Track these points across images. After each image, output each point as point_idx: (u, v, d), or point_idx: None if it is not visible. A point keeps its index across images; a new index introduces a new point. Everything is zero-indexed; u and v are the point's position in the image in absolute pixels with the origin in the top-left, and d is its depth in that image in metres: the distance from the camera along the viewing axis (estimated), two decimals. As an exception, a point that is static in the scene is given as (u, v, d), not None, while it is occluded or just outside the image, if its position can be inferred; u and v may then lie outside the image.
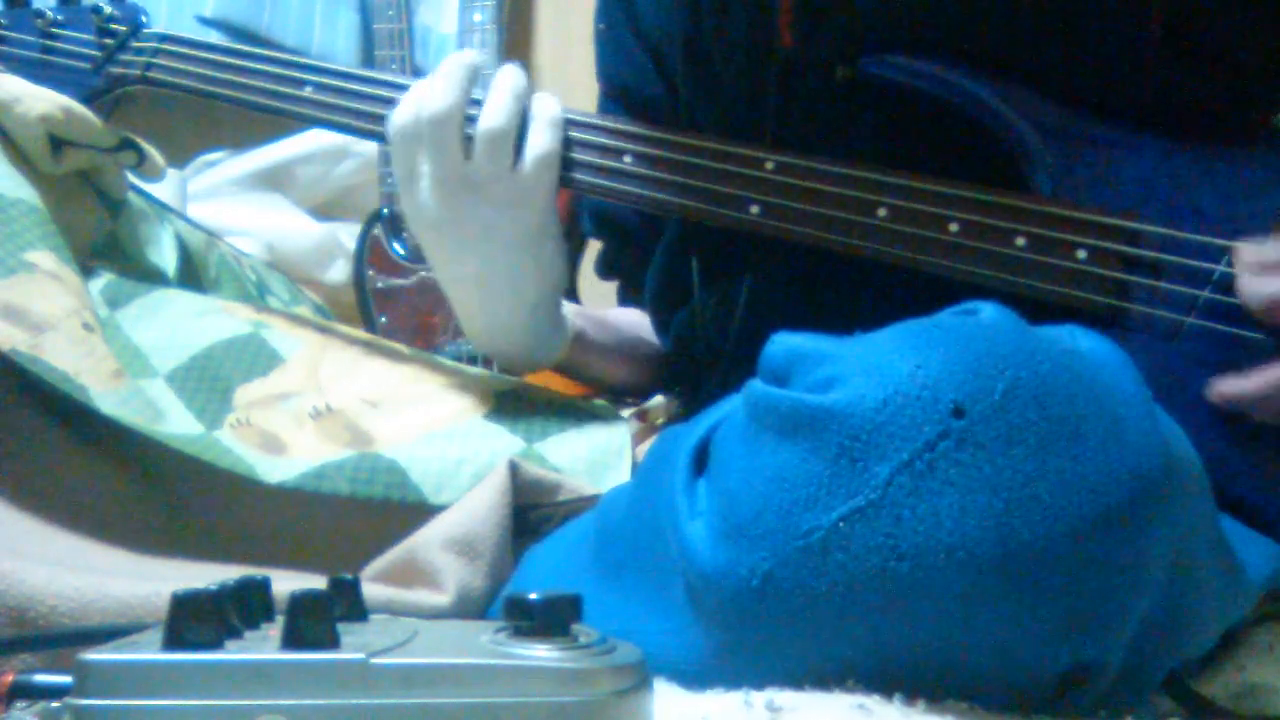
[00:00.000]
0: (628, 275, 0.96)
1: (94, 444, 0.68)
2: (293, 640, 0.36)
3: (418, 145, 0.73)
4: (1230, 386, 0.59)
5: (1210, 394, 0.60)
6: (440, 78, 0.73)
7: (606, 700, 0.36)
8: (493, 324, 0.79)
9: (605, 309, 0.99)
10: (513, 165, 0.73)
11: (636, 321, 0.95)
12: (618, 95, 0.89)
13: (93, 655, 0.36)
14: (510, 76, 0.75)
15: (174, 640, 0.36)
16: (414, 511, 0.66)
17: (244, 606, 0.40)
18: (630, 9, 0.86)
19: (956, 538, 0.42)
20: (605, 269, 0.98)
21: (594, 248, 1.06)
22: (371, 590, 0.58)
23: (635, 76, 0.87)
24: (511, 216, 0.74)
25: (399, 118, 0.73)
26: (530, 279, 0.76)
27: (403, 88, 0.79)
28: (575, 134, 0.76)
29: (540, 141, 0.73)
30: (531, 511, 0.67)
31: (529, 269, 0.76)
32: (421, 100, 0.73)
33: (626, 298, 0.98)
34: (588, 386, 0.90)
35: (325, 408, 0.72)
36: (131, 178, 0.87)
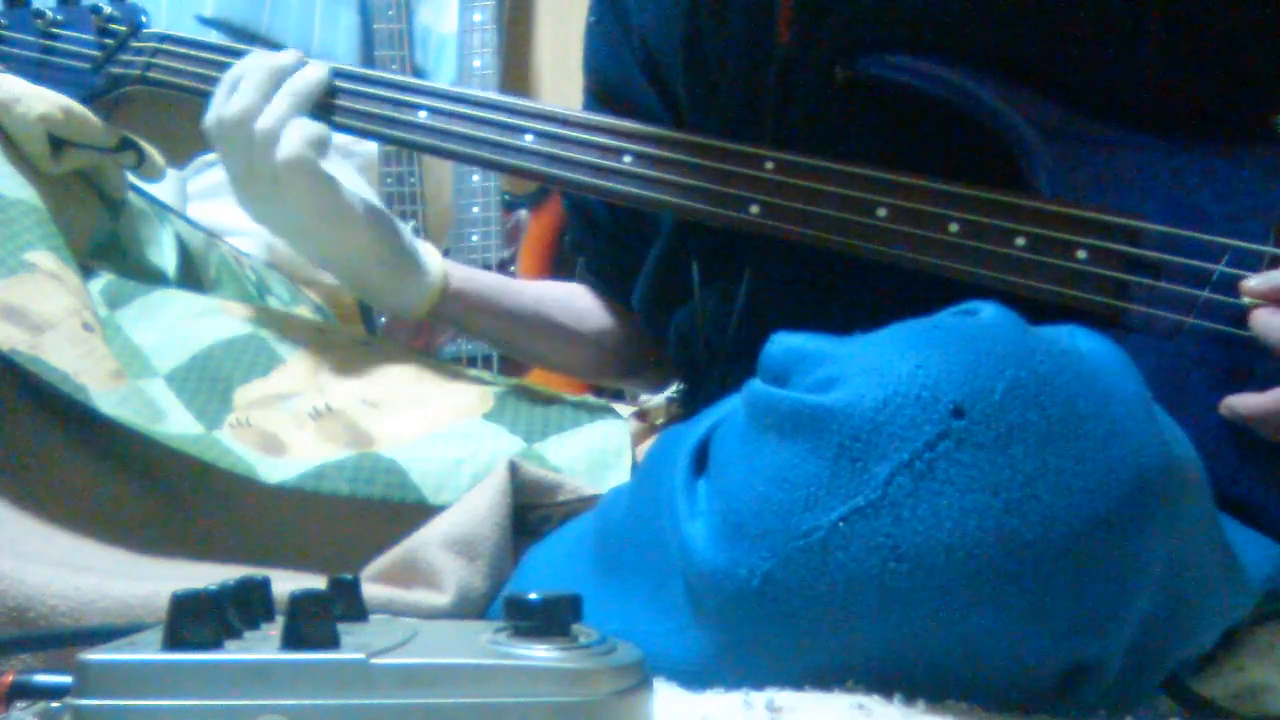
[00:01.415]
0: (589, 255, 0.98)
1: (94, 444, 0.68)
2: (293, 640, 0.36)
3: (221, 145, 0.77)
4: (1244, 404, 0.59)
5: (1222, 409, 0.60)
6: (246, 79, 0.77)
7: (606, 700, 0.36)
8: (337, 277, 0.83)
9: (528, 280, 1.00)
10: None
11: (556, 294, 0.96)
12: (601, 91, 0.89)
13: (93, 655, 0.36)
14: (298, 76, 0.78)
15: (174, 640, 0.36)
16: (414, 511, 0.66)
17: (244, 606, 0.40)
18: (620, 6, 0.86)
19: (956, 538, 0.42)
20: (572, 244, 1.00)
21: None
22: (371, 590, 0.58)
23: (620, 75, 0.86)
24: (291, 208, 0.77)
25: (206, 120, 0.78)
26: (333, 248, 0.80)
27: (402, 88, 0.79)
28: (574, 133, 0.76)
29: (285, 146, 0.75)
30: (531, 511, 0.67)
31: (334, 245, 0.79)
32: (220, 103, 0.77)
33: (584, 276, 0.99)
34: (480, 341, 0.91)
35: (325, 408, 0.72)
36: (131, 178, 0.87)
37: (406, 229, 0.84)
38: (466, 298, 0.86)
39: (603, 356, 0.96)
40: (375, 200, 0.81)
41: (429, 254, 0.84)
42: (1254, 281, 0.60)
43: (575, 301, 0.96)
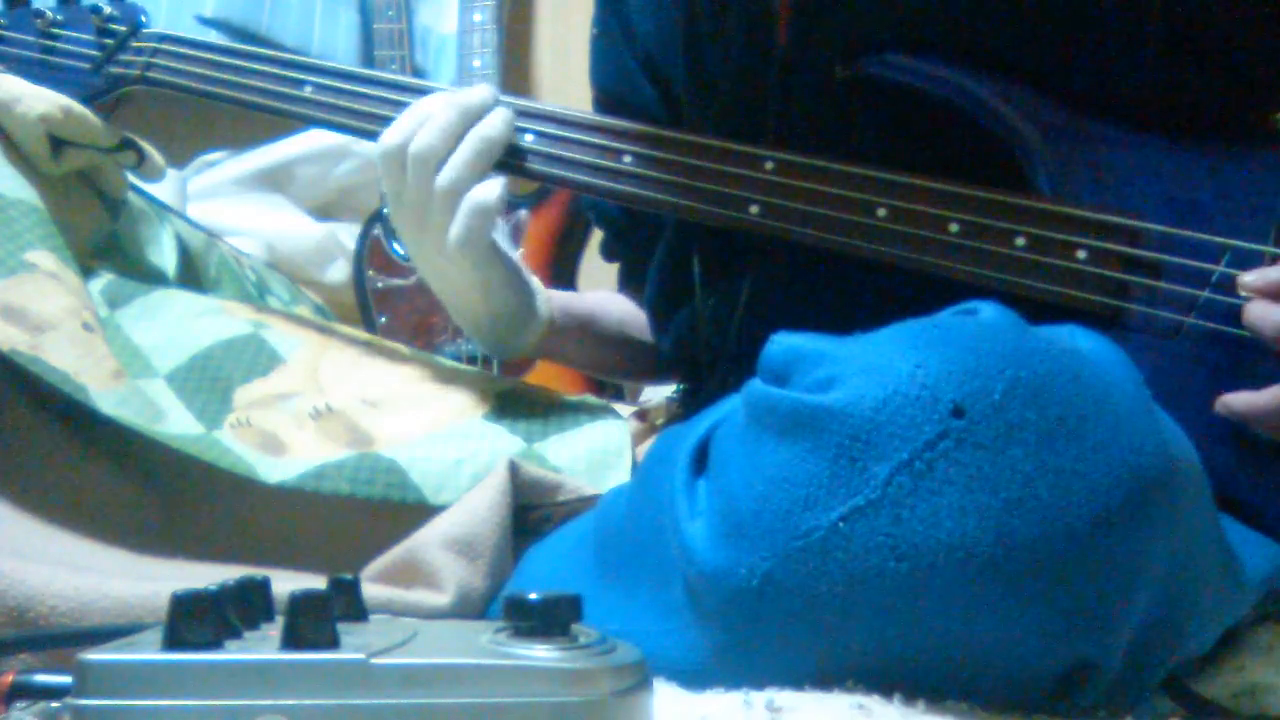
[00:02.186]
0: (626, 262, 0.98)
1: (94, 444, 0.68)
2: (293, 640, 0.36)
3: (401, 174, 0.74)
4: (1240, 402, 0.59)
5: (1219, 407, 0.59)
6: (435, 118, 0.74)
7: (606, 700, 0.36)
8: (457, 318, 0.83)
9: (596, 293, 1.00)
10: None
11: (626, 310, 0.96)
12: (608, 102, 0.89)
13: (93, 655, 0.36)
14: (481, 130, 0.75)
15: (174, 640, 0.36)
16: (414, 511, 0.66)
17: (244, 606, 0.40)
18: (622, 15, 0.86)
19: (956, 537, 0.42)
20: (606, 254, 1.00)
21: (597, 238, 1.06)
22: (371, 590, 0.58)
23: (625, 84, 0.87)
24: (451, 267, 0.76)
25: (389, 141, 0.75)
26: (479, 308, 0.79)
27: (403, 87, 0.79)
28: (574, 134, 0.76)
29: (456, 226, 0.74)
30: (531, 511, 0.67)
31: (475, 302, 0.79)
32: (413, 134, 0.74)
33: (624, 285, 0.99)
34: (579, 370, 0.92)
35: (325, 408, 0.72)
36: (131, 178, 0.87)
37: (533, 279, 0.85)
38: (564, 333, 0.87)
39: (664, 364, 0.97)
40: (519, 261, 0.81)
41: (542, 298, 0.85)
42: (1250, 277, 0.60)
43: (640, 313, 0.96)
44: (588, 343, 0.91)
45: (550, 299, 0.86)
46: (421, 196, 0.74)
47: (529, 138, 0.77)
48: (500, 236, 0.78)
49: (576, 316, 0.89)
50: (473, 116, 0.75)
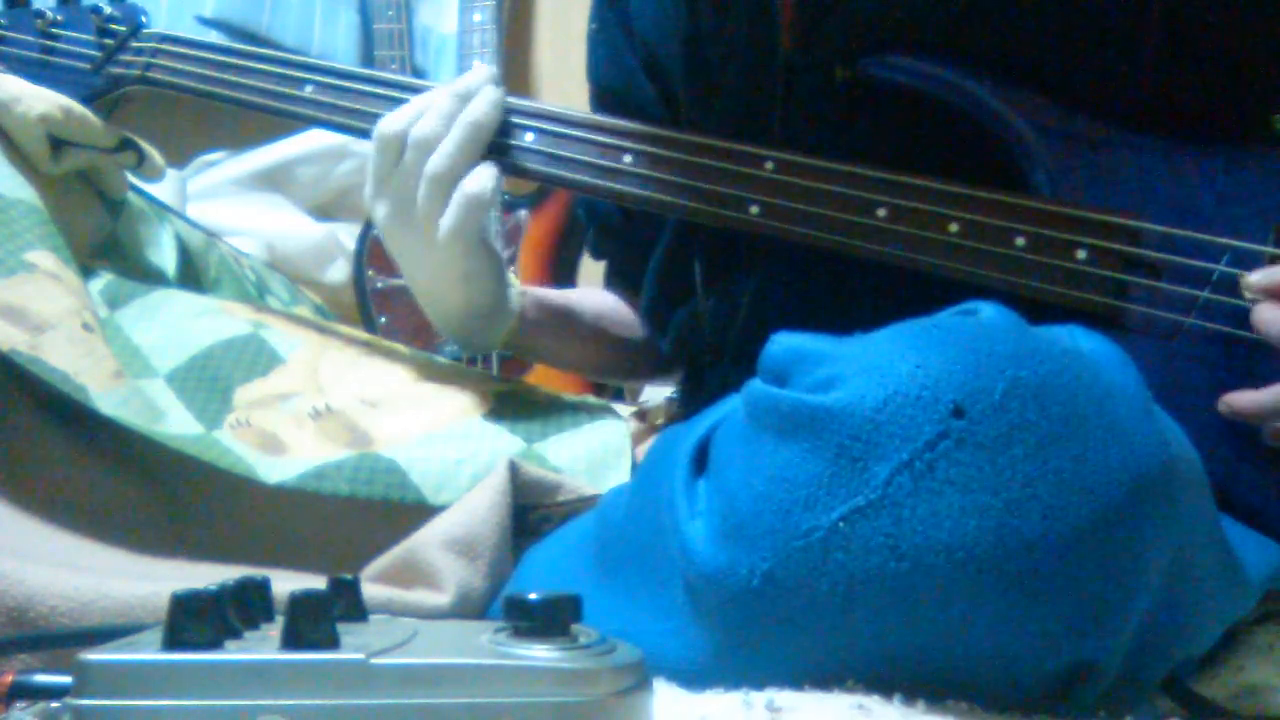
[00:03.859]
0: (614, 260, 0.97)
1: (94, 444, 0.68)
2: (293, 640, 0.36)
3: (393, 159, 0.74)
4: (1242, 401, 0.59)
5: (1221, 407, 0.59)
6: (435, 106, 0.74)
7: (606, 700, 0.36)
8: (431, 314, 0.81)
9: (575, 290, 1.00)
10: (442, 213, 0.73)
11: (605, 306, 0.96)
12: (605, 97, 0.89)
13: (93, 655, 0.36)
14: (468, 116, 0.75)
15: (174, 640, 0.36)
16: (414, 512, 0.66)
17: (244, 606, 0.40)
18: (623, 11, 0.86)
19: (956, 537, 0.42)
20: (595, 251, 1.00)
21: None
22: (371, 590, 0.58)
23: (624, 80, 0.87)
24: (433, 257, 0.75)
25: (388, 126, 0.74)
26: (455, 300, 0.78)
27: (403, 88, 0.79)
28: (574, 133, 0.76)
29: (450, 215, 0.73)
30: (531, 512, 0.67)
31: (454, 294, 0.78)
32: (414, 124, 0.74)
33: (610, 282, 0.99)
34: (554, 367, 0.91)
35: (325, 408, 0.72)
36: (131, 178, 0.87)
37: (508, 273, 0.84)
38: (537, 327, 0.86)
39: (647, 362, 0.97)
40: (500, 254, 0.80)
41: (514, 292, 0.84)
42: (1255, 277, 0.60)
43: (622, 310, 0.96)
44: (562, 338, 0.90)
45: (524, 293, 0.85)
46: (410, 183, 0.73)
47: (529, 137, 0.77)
48: (487, 226, 0.77)
49: (549, 311, 0.88)
50: (466, 100, 0.75)
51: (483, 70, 0.77)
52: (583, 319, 0.92)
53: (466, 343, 0.84)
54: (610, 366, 0.98)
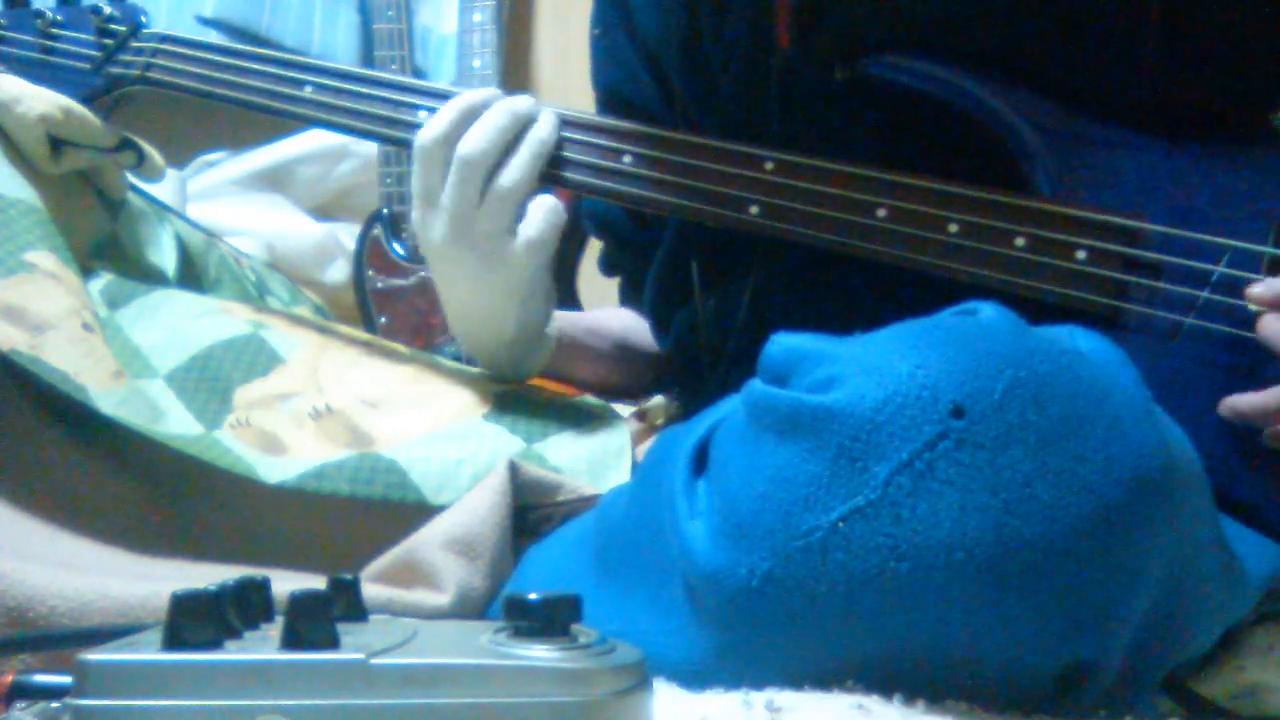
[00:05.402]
0: (627, 274, 0.97)
1: (94, 444, 0.68)
2: (292, 640, 0.36)
3: (440, 172, 0.72)
4: (1244, 403, 0.59)
5: (1223, 409, 0.59)
6: (486, 120, 0.72)
7: (606, 700, 0.36)
8: (475, 343, 0.80)
9: (598, 311, 1.00)
10: (510, 228, 0.72)
11: (629, 324, 0.96)
12: (612, 102, 0.89)
13: (93, 655, 0.36)
14: (538, 134, 0.74)
15: (174, 640, 0.36)
16: (414, 512, 0.66)
17: (244, 606, 0.40)
18: (626, 13, 0.86)
19: (956, 537, 0.42)
20: (606, 267, 0.99)
21: (595, 246, 1.06)
22: (371, 590, 0.58)
23: (629, 83, 0.87)
24: (497, 275, 0.73)
25: (429, 135, 0.72)
26: (509, 324, 0.77)
27: (404, 88, 0.79)
28: (574, 134, 0.76)
29: (534, 226, 0.72)
30: (531, 511, 0.67)
31: (509, 317, 0.76)
32: (459, 134, 0.72)
33: (626, 298, 0.99)
34: (577, 388, 0.91)
35: (325, 408, 0.72)
36: (131, 178, 0.87)
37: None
38: (569, 351, 0.86)
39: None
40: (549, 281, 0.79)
41: (550, 318, 0.83)
42: (1259, 289, 0.60)
43: (644, 325, 0.95)
44: (592, 359, 0.91)
45: (553, 318, 0.84)
46: (467, 199, 0.71)
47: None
48: None
49: (578, 333, 0.89)
50: (524, 121, 0.73)
51: (529, 100, 0.75)
52: (609, 338, 0.93)
53: (508, 371, 0.81)
54: (635, 382, 0.97)
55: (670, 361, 0.90)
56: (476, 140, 0.71)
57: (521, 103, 0.74)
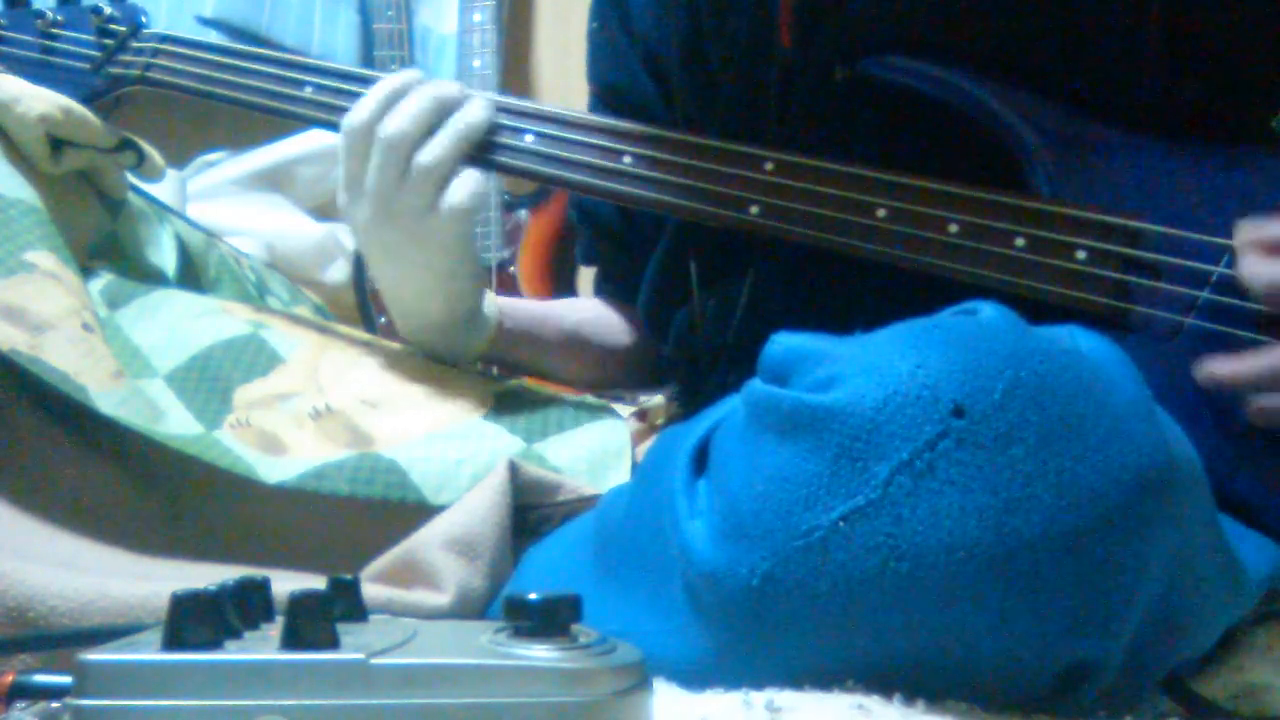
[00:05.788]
0: (604, 265, 0.97)
1: (94, 444, 0.68)
2: (292, 640, 0.36)
3: (364, 155, 0.73)
4: (1222, 367, 0.59)
5: (1199, 374, 0.59)
6: (409, 101, 0.73)
7: (606, 700, 0.36)
8: (407, 324, 0.81)
9: (557, 301, 1.00)
10: (432, 205, 0.73)
11: (587, 317, 0.96)
12: (607, 97, 0.89)
13: (92, 655, 0.36)
14: (465, 117, 0.74)
15: (174, 640, 0.36)
16: (414, 511, 0.66)
17: (244, 606, 0.40)
18: (624, 9, 0.86)
19: (956, 537, 0.42)
20: (585, 257, 1.00)
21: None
22: (371, 590, 0.58)
23: (625, 78, 0.87)
24: (421, 253, 0.74)
25: (354, 120, 0.74)
26: (436, 302, 0.77)
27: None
28: (574, 135, 0.76)
29: (456, 194, 0.73)
30: (531, 511, 0.67)
31: (435, 294, 0.77)
32: (369, 112, 0.73)
33: (600, 288, 0.99)
34: (525, 375, 0.91)
35: (325, 408, 0.72)
36: (131, 178, 0.87)
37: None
38: (513, 337, 0.86)
39: (636, 368, 0.96)
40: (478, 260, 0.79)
41: (488, 301, 0.84)
42: (1250, 230, 0.60)
43: (605, 318, 0.96)
44: (539, 347, 0.90)
45: (494, 302, 0.85)
46: (388, 179, 0.72)
47: (529, 138, 0.77)
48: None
49: (524, 320, 0.88)
50: (449, 105, 0.74)
51: (457, 86, 0.76)
52: (560, 327, 0.92)
53: (447, 350, 0.82)
54: (592, 375, 0.97)
55: (669, 361, 0.90)
56: (398, 122, 0.72)
57: (447, 87, 0.75)
